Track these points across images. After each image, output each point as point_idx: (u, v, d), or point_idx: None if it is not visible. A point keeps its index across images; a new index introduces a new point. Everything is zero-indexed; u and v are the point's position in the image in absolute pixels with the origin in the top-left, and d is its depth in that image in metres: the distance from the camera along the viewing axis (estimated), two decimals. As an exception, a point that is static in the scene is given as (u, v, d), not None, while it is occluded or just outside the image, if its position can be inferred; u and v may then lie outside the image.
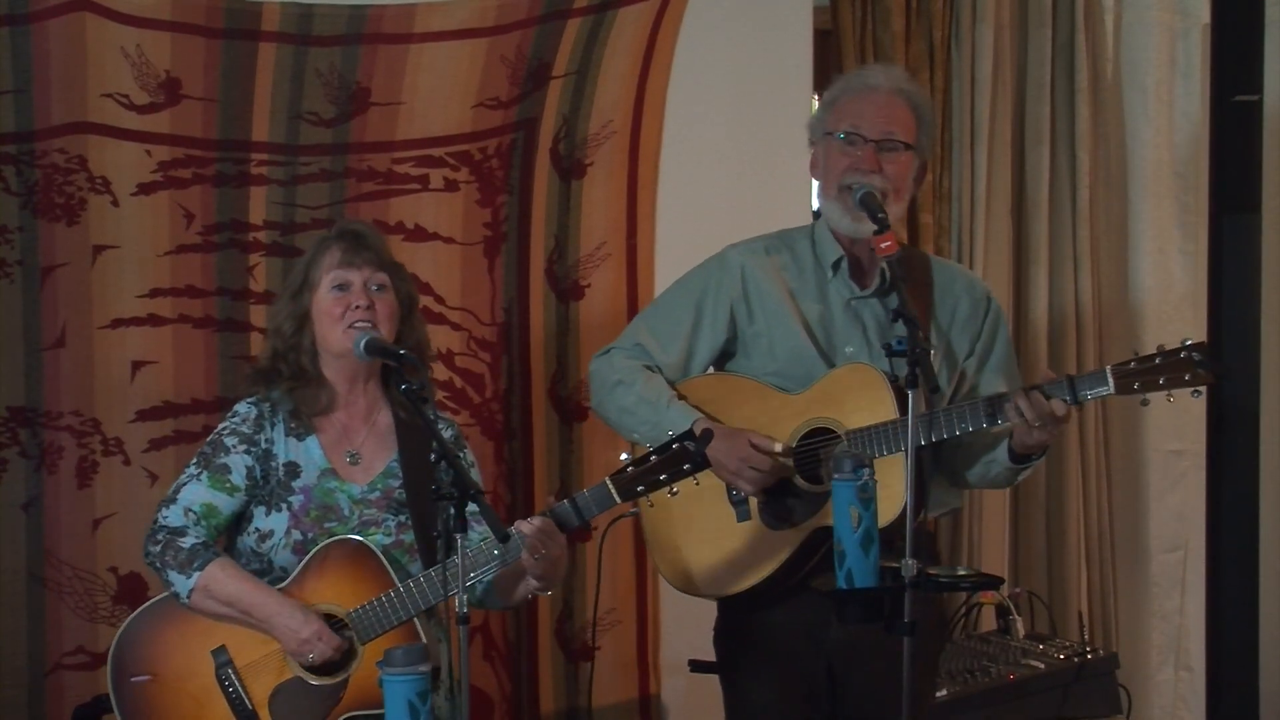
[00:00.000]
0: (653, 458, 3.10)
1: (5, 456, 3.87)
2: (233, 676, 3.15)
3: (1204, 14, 4.89)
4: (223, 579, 3.15)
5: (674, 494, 3.14)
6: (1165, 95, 4.90)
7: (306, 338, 3.27)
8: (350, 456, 3.28)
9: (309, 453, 3.26)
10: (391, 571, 3.17)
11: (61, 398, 3.90)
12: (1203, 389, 3.10)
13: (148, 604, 3.24)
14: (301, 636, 3.12)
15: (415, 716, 2.72)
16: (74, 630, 3.92)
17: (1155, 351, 3.11)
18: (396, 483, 3.27)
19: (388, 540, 3.23)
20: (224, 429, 3.29)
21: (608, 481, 3.13)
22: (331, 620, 3.16)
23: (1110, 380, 3.10)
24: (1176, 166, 4.93)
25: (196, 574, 3.14)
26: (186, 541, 3.17)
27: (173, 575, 3.16)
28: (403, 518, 3.26)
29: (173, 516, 3.20)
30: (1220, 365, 3.09)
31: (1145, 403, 3.15)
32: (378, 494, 3.27)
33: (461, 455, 3.26)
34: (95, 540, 3.93)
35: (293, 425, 3.27)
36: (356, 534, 3.20)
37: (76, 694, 3.80)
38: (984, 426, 3.18)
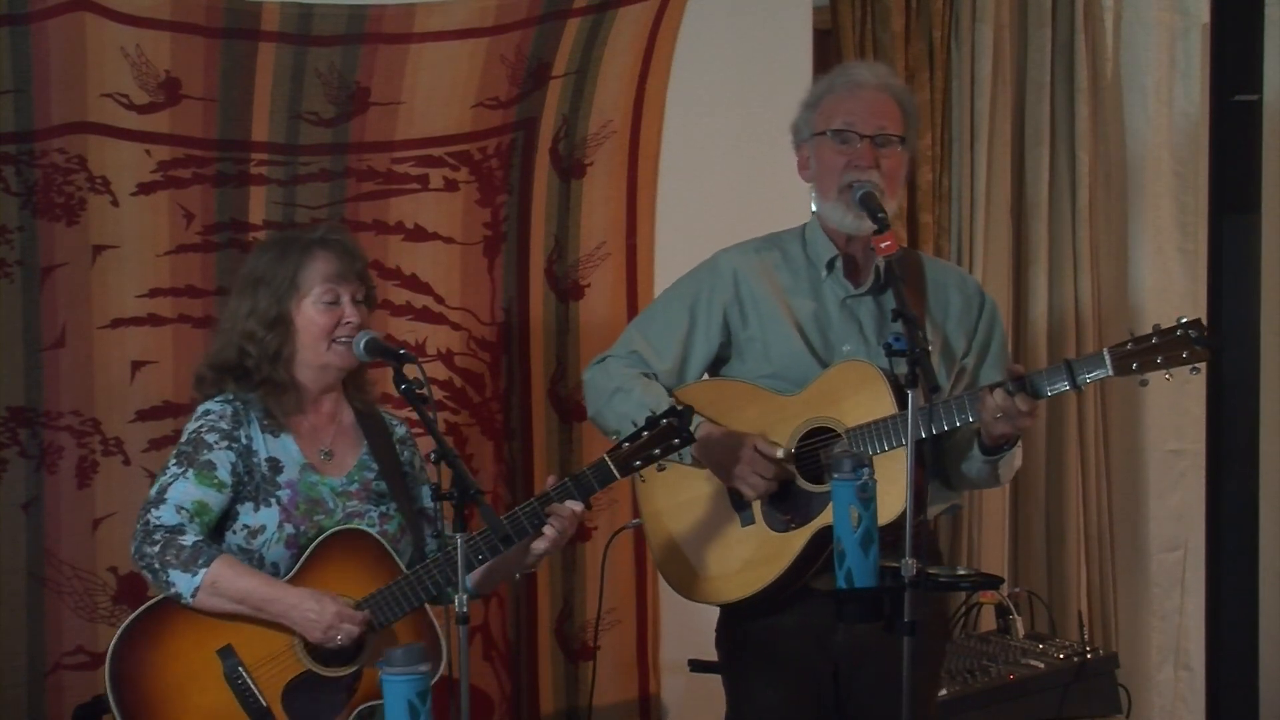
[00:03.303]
0: (644, 434, 3.15)
1: (5, 456, 3.87)
2: (244, 675, 3.12)
3: (1204, 14, 4.89)
4: (230, 575, 3.11)
5: (662, 470, 3.22)
6: (1165, 95, 4.90)
7: (287, 346, 3.24)
8: (324, 454, 3.29)
9: (286, 448, 3.25)
10: (395, 556, 3.18)
11: (61, 398, 3.89)
12: (1200, 366, 3.07)
13: (141, 609, 3.17)
14: (325, 622, 3.10)
15: (415, 716, 2.71)
16: (74, 630, 3.92)
17: (1151, 331, 3.08)
18: (371, 474, 3.29)
19: (372, 531, 3.23)
20: (200, 427, 3.24)
21: (606, 458, 3.16)
22: None
23: (1108, 362, 3.07)
24: (1176, 166, 4.93)
25: (203, 571, 3.10)
26: (187, 539, 3.12)
27: (175, 574, 3.10)
28: (383, 508, 3.27)
29: (166, 515, 3.15)
30: (1216, 339, 3.06)
31: (1144, 383, 3.11)
32: (356, 486, 3.28)
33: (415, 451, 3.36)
34: (95, 540, 3.93)
35: (266, 422, 3.25)
36: (344, 525, 3.21)
37: (76, 694, 3.79)
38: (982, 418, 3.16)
